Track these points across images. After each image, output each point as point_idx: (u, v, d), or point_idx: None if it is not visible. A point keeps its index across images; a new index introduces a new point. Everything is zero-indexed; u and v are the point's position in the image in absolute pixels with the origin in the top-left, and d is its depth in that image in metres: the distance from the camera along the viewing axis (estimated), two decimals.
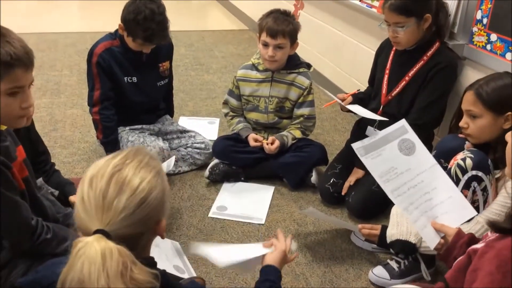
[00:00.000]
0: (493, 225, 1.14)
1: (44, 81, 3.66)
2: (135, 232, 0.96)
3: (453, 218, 1.63)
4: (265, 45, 2.43)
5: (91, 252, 0.89)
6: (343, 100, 2.40)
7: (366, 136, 2.37)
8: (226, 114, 2.68)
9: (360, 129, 2.49)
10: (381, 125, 2.33)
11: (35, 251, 1.48)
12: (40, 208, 1.56)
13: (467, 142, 1.82)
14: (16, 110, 1.40)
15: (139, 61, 2.45)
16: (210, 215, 2.29)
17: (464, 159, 1.70)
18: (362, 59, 3.16)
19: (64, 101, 3.38)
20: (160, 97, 2.67)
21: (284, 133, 2.53)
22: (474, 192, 1.70)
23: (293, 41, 2.46)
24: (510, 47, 2.08)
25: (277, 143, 2.46)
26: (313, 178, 2.50)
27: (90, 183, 0.97)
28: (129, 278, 0.90)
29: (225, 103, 2.67)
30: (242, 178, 2.56)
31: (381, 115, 2.32)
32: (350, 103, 2.38)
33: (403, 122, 1.73)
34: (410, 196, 1.65)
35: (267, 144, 2.46)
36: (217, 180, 2.53)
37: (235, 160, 2.54)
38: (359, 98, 2.46)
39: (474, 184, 1.69)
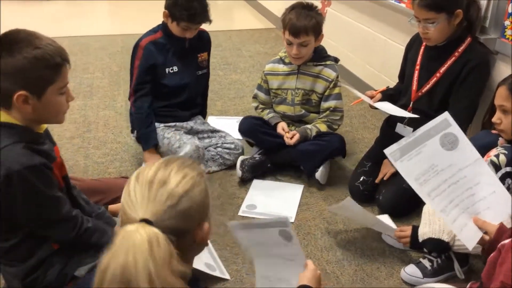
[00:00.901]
0: None
1: (77, 84, 3.75)
2: (178, 227, 0.95)
3: (495, 214, 1.58)
4: (289, 43, 2.44)
5: (137, 238, 0.86)
6: (372, 97, 2.38)
7: (396, 133, 2.38)
8: (256, 108, 2.72)
9: (389, 126, 2.46)
10: (410, 122, 2.31)
11: (80, 242, 1.54)
12: (77, 205, 1.63)
13: (500, 138, 1.79)
14: (65, 106, 1.49)
15: (182, 47, 2.55)
16: (240, 213, 2.31)
17: (497, 156, 1.67)
18: (392, 55, 3.13)
19: (97, 103, 3.46)
20: (199, 88, 2.75)
21: (309, 126, 2.53)
22: (508, 189, 1.65)
23: (318, 34, 2.45)
24: None
25: (296, 137, 2.47)
26: (318, 174, 2.47)
27: (136, 178, 0.99)
28: (171, 272, 0.87)
29: (254, 97, 2.71)
30: (269, 165, 2.57)
31: (411, 111, 2.30)
32: (379, 100, 2.36)
33: (445, 115, 1.61)
34: (451, 193, 1.57)
35: (287, 138, 2.48)
36: (248, 177, 2.54)
37: (260, 140, 2.55)
38: (389, 95, 2.43)
39: (508, 181, 1.66)
